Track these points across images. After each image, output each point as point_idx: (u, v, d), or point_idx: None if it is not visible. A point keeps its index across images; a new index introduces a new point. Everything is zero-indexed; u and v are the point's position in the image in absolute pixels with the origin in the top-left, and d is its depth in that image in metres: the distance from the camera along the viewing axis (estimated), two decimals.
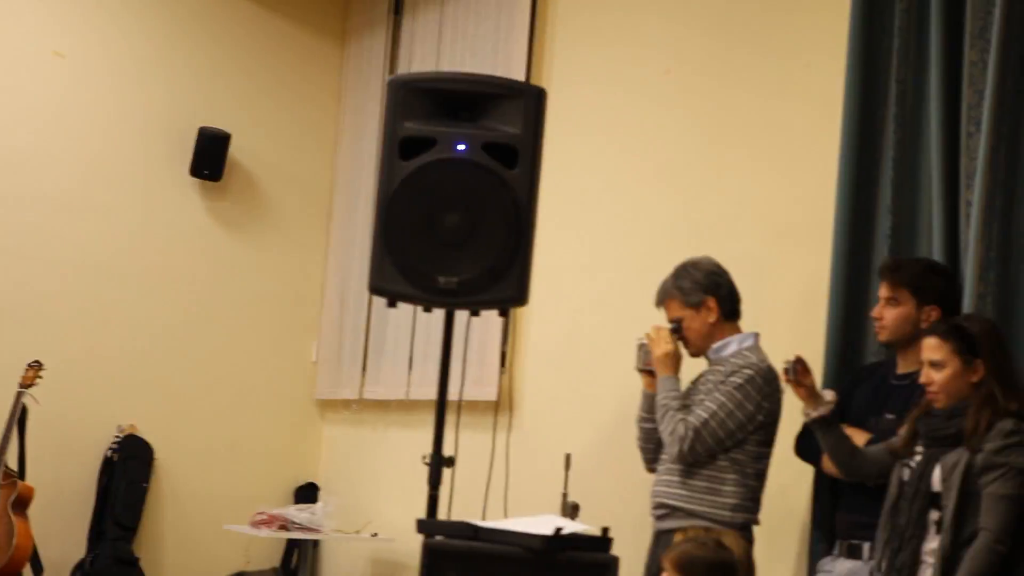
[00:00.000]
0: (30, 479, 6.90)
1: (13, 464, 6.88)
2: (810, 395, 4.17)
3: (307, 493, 7.73)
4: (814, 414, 4.15)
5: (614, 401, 5.68)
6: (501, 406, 5.84)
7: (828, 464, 4.32)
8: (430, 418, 5.16)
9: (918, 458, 3.85)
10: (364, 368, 7.50)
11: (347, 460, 7.65)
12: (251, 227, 7.86)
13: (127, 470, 7.39)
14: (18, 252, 7.27)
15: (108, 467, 7.41)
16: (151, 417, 7.51)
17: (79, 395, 7.35)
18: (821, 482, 4.62)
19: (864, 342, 4.64)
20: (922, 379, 3.85)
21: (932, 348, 3.82)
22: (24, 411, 6.90)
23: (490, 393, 6.22)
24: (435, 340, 6.79)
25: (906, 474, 3.87)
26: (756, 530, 4.49)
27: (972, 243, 4.14)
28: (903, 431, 3.93)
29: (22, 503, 6.79)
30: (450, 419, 5.09)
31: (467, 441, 5.30)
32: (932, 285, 4.25)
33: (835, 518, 4.43)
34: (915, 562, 3.78)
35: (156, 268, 7.59)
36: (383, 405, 7.34)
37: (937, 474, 3.77)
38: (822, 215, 4.78)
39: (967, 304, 4.14)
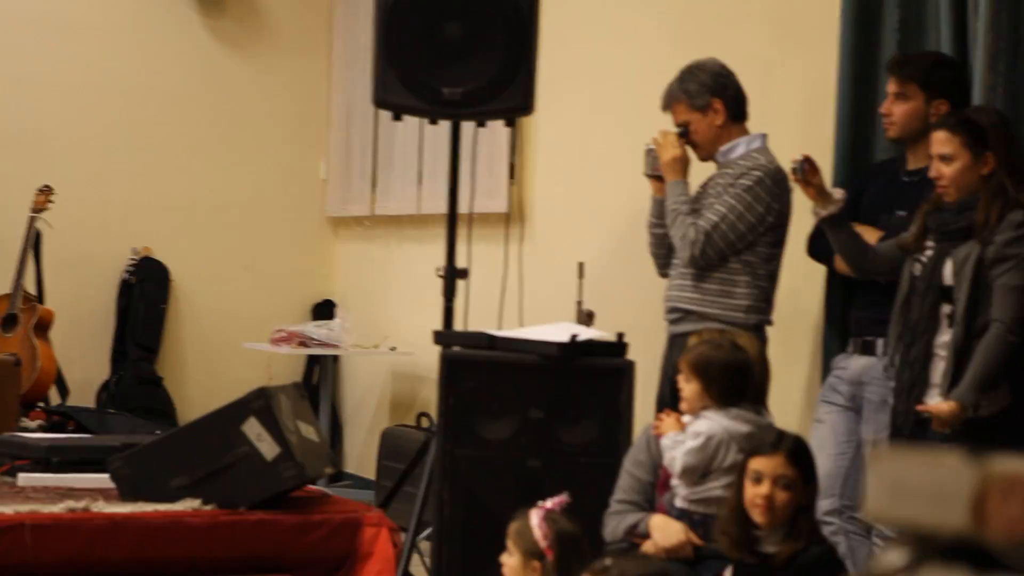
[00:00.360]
0: (49, 303, 6.99)
1: (32, 289, 6.96)
2: (819, 194, 4.16)
3: (324, 310, 7.81)
4: (823, 213, 4.15)
5: (626, 208, 5.69)
6: (512, 217, 5.86)
7: (840, 263, 4.34)
8: (443, 232, 5.18)
9: (929, 253, 3.87)
10: (374, 184, 7.51)
11: (362, 276, 7.71)
12: (252, 45, 7.78)
13: (145, 292, 7.47)
14: (19, 77, 7.24)
15: (126, 289, 7.50)
16: (165, 239, 7.57)
17: (92, 219, 7.39)
18: (833, 281, 4.65)
19: (873, 139, 4.61)
20: (931, 174, 3.85)
21: (941, 142, 3.80)
22: (38, 236, 6.96)
23: (500, 205, 6.24)
24: (443, 154, 6.78)
25: (917, 269, 3.89)
26: (770, 331, 4.54)
27: (981, 33, 4.08)
28: (913, 226, 3.94)
29: (43, 327, 6.88)
30: (462, 232, 5.11)
31: (480, 253, 5.34)
32: (941, 78, 4.20)
33: (848, 316, 4.47)
34: (928, 356, 3.82)
35: (159, 89, 7.55)
36: (395, 220, 7.37)
37: (948, 268, 3.79)
38: (828, 12, 4.71)
39: (977, 96, 4.10)
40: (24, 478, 4.92)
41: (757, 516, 3.31)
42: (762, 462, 3.32)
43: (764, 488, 3.30)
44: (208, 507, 4.58)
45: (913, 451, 1.34)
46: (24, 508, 4.40)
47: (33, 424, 6.39)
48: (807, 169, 4.18)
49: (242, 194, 7.79)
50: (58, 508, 4.42)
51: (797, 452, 3.35)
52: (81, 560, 4.35)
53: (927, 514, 1.32)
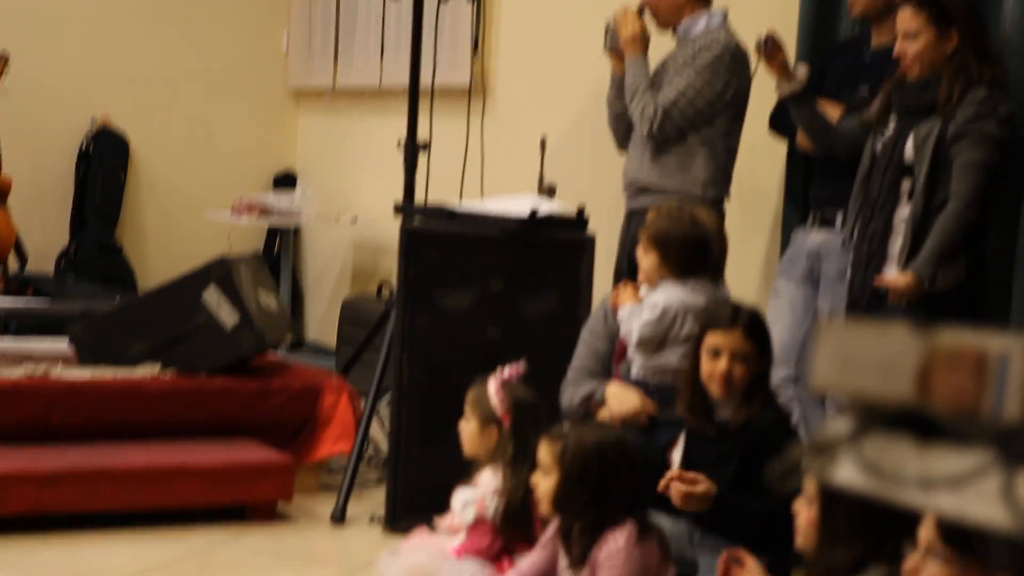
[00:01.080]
0: (7, 170, 6.92)
1: None
2: (783, 71, 4.17)
3: (285, 181, 7.78)
4: (787, 90, 4.16)
5: (589, 82, 5.67)
6: (475, 91, 5.81)
7: (802, 140, 4.36)
8: (403, 105, 5.15)
9: (891, 129, 3.89)
10: (336, 57, 7.44)
11: (323, 148, 7.68)
12: None
13: (103, 161, 7.42)
14: None
15: (84, 158, 7.43)
16: (124, 109, 7.49)
17: (49, 87, 7.30)
18: (794, 156, 4.67)
19: (837, 17, 4.60)
20: (896, 51, 3.85)
21: (906, 18, 3.80)
22: None
23: (463, 78, 6.19)
24: (406, 27, 6.71)
25: (879, 145, 3.91)
26: (730, 206, 4.56)
27: None
28: (877, 102, 3.95)
29: (1, 193, 6.83)
30: (423, 105, 5.08)
31: (442, 127, 5.31)
32: None
33: (808, 190, 4.50)
34: (887, 230, 3.86)
35: None
36: (357, 93, 7.32)
37: (910, 144, 3.81)
38: None
39: None
40: None
41: (715, 390, 3.36)
42: (720, 337, 3.35)
43: (722, 363, 3.33)
44: (167, 373, 4.61)
45: (861, 322, 1.36)
46: None
47: None
48: (771, 45, 4.18)
49: (204, 64, 7.70)
50: (17, 373, 4.45)
51: (754, 326, 3.39)
52: (40, 424, 4.38)
53: (874, 384, 1.35)
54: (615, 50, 4.64)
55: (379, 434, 5.04)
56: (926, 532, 2.09)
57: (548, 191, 4.93)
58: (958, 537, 2.04)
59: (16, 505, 4.04)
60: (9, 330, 4.98)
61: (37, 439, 4.35)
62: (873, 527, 2.41)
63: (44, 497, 4.07)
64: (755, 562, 2.83)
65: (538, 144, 4.96)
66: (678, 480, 3.20)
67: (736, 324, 3.36)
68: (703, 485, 3.21)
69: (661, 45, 4.64)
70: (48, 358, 4.69)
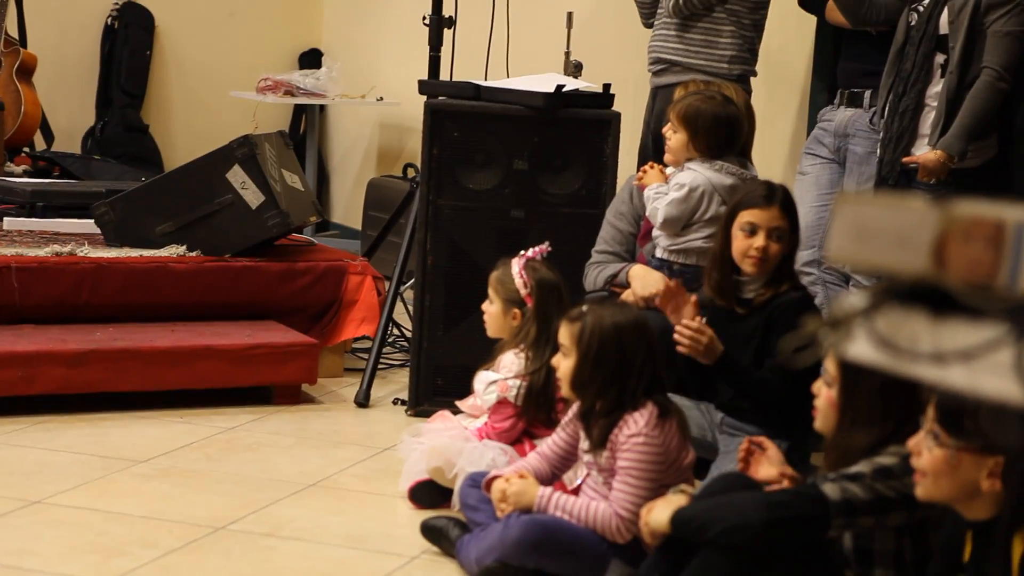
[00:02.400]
0: (32, 47, 6.87)
1: (13, 32, 6.84)
2: None
3: (311, 59, 7.70)
4: None
5: None
6: None
7: (833, 12, 4.26)
8: None
9: (926, 1, 3.79)
10: None
11: (349, 25, 7.58)
12: None
13: (129, 38, 7.35)
14: None
15: (109, 35, 7.37)
16: None
17: None
18: (823, 32, 4.58)
19: None
20: None
21: None
22: None
23: None
24: None
25: (914, 18, 3.82)
26: (756, 83, 4.49)
27: None
28: None
29: (26, 71, 6.78)
30: None
31: (467, 2, 5.22)
32: None
33: (836, 68, 4.41)
34: (918, 106, 3.78)
35: None
36: None
37: (945, 16, 3.71)
38: None
39: None
40: (9, 222, 4.93)
41: (749, 267, 3.34)
42: (757, 214, 3.33)
43: (759, 240, 3.32)
44: (193, 253, 4.60)
45: (878, 196, 1.33)
46: (10, 251, 4.43)
47: (18, 169, 6.36)
48: None
49: None
50: (44, 252, 4.45)
51: (789, 204, 3.36)
52: (67, 302, 4.39)
53: (889, 257, 1.32)
54: None
55: (403, 317, 5.03)
56: (929, 413, 2.07)
57: (574, 69, 4.86)
58: (953, 420, 2.03)
59: (43, 385, 4.06)
60: (36, 210, 4.96)
61: (64, 319, 4.37)
62: (893, 409, 2.39)
63: (71, 377, 4.09)
64: (776, 448, 2.82)
65: (564, 20, 4.88)
66: (684, 327, 3.22)
67: (773, 202, 3.32)
68: (708, 335, 3.27)
69: None
70: (75, 238, 4.68)
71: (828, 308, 4.15)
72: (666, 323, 3.37)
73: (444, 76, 5.02)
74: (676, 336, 3.28)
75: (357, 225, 6.90)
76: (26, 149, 6.76)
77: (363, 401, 4.42)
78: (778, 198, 3.34)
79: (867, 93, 4.16)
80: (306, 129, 7.45)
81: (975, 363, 1.23)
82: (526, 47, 5.42)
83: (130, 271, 4.48)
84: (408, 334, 4.95)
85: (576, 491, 3.08)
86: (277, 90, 6.82)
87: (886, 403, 2.39)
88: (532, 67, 4.89)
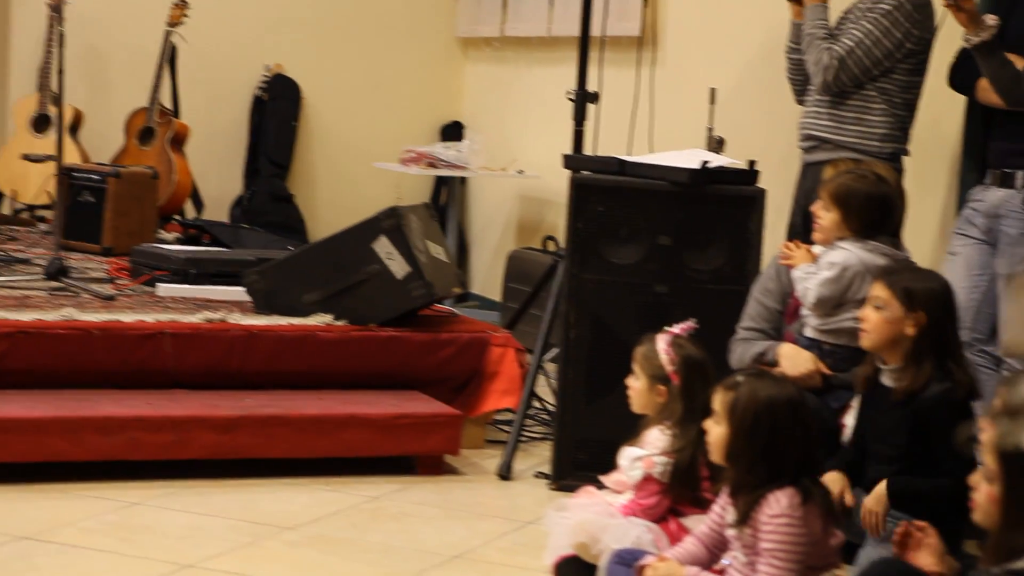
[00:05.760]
0: (184, 118, 7.09)
1: (167, 103, 7.07)
2: (971, 20, 4.01)
3: (452, 131, 7.82)
4: (975, 39, 4.01)
5: (760, 33, 5.57)
6: (645, 41, 5.76)
7: (985, 93, 4.21)
8: (571, 55, 5.12)
9: None
10: (504, 4, 7.43)
11: (491, 98, 7.69)
12: None
13: (277, 109, 7.54)
14: None
15: (258, 106, 7.57)
16: (297, 57, 7.61)
17: (226, 34, 7.45)
18: (974, 111, 4.53)
19: None
20: None
21: None
22: (174, 50, 7.03)
23: (633, 28, 6.14)
24: None
25: None
26: (906, 160, 4.46)
27: None
28: None
29: (179, 140, 7.00)
30: (593, 55, 5.05)
31: (611, 77, 5.28)
32: None
33: (987, 147, 4.36)
34: None
35: None
36: (524, 42, 7.30)
37: None
38: None
39: None
40: (164, 288, 5.07)
41: (861, 338, 3.34)
42: (872, 287, 3.35)
43: (865, 311, 3.31)
44: (340, 323, 4.69)
45: None
46: (164, 317, 4.55)
47: (170, 236, 6.55)
48: None
49: (374, 13, 7.77)
50: (196, 318, 4.57)
51: (896, 279, 3.31)
52: (218, 368, 4.50)
53: None
54: None
55: (545, 390, 5.06)
56: None
57: (717, 144, 4.87)
58: None
59: (195, 449, 4.16)
60: (189, 277, 5.10)
61: (215, 384, 4.47)
62: None
63: (222, 442, 4.18)
64: (937, 536, 2.76)
65: (707, 96, 4.90)
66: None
67: (879, 276, 3.31)
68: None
69: None
70: (226, 305, 4.81)
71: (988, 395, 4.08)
72: (820, 401, 3.34)
73: (587, 151, 5.07)
74: None
75: (495, 296, 6.96)
76: (177, 217, 6.96)
77: (505, 473, 4.44)
78: (885, 274, 3.33)
79: (1019, 173, 4.11)
80: (447, 200, 7.55)
81: None
82: (669, 122, 5.45)
83: (279, 339, 4.58)
84: (549, 407, 4.97)
85: (722, 572, 3.06)
86: (420, 162, 6.94)
87: None
88: (674, 142, 4.92)
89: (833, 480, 3.24)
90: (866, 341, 3.32)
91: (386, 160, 7.21)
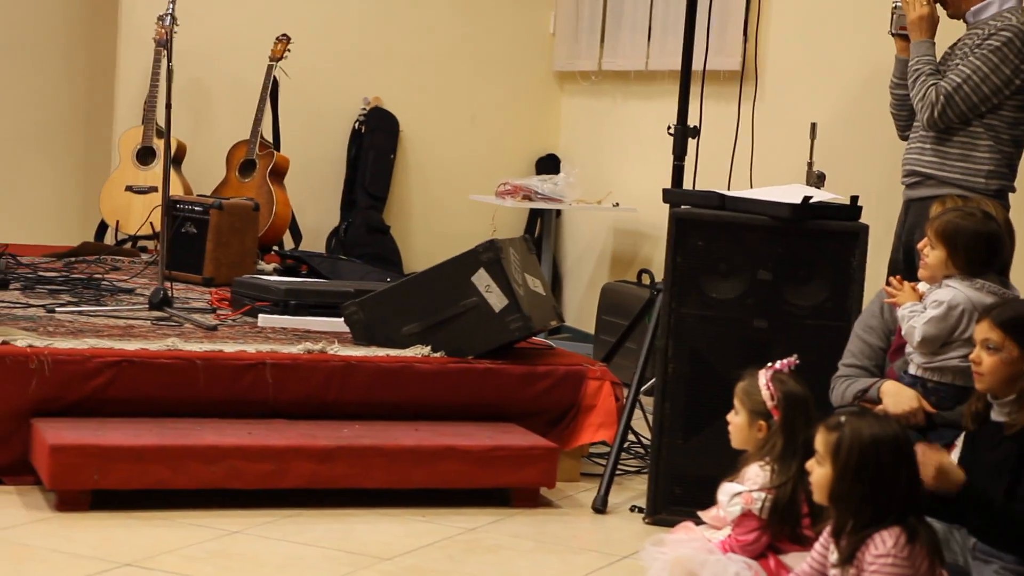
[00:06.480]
0: (284, 150, 7.18)
1: (268, 136, 7.17)
2: None
3: (548, 164, 7.85)
4: None
5: (861, 67, 5.53)
6: (745, 75, 5.74)
7: None
8: (669, 89, 5.14)
9: None
10: (602, 39, 7.45)
11: (587, 132, 7.70)
12: None
13: (374, 142, 7.62)
14: None
15: (356, 138, 7.65)
16: (395, 90, 7.69)
17: (325, 68, 7.55)
18: None
19: None
20: None
21: None
22: (276, 84, 7.14)
23: (734, 63, 6.13)
24: (674, 10, 6.70)
25: None
26: (1012, 197, 4.39)
27: None
28: None
29: (279, 173, 7.10)
30: (693, 90, 5.04)
31: (710, 111, 5.27)
32: None
33: None
34: None
35: None
36: (622, 76, 7.32)
37: None
38: None
39: None
40: (264, 319, 5.14)
41: (975, 380, 3.28)
42: (976, 328, 3.29)
43: (974, 352, 3.26)
44: (437, 354, 4.71)
45: None
46: (265, 348, 4.60)
47: (269, 267, 6.63)
48: None
49: (471, 46, 7.83)
50: (296, 349, 4.61)
51: (1006, 318, 3.25)
52: (316, 399, 4.54)
53: None
54: (901, 33, 4.52)
55: (641, 425, 5.04)
56: None
57: (817, 179, 4.85)
58: None
59: (294, 479, 4.19)
60: (289, 308, 5.15)
61: (313, 415, 4.51)
62: None
63: (319, 472, 4.20)
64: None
65: (807, 131, 4.87)
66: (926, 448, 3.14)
67: (986, 315, 3.26)
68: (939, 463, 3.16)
69: (951, 32, 4.49)
70: (325, 336, 4.85)
71: None
72: (924, 440, 3.30)
73: (687, 185, 5.06)
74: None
75: (589, 329, 6.96)
76: (276, 248, 7.05)
77: (600, 507, 4.42)
78: (991, 310, 3.28)
79: None
80: (541, 232, 7.57)
81: None
82: (769, 157, 5.42)
83: (377, 370, 4.60)
84: (644, 441, 4.95)
85: None
86: (516, 194, 6.96)
87: None
88: (774, 177, 4.90)
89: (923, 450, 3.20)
90: (982, 384, 3.27)
91: (482, 192, 7.25)
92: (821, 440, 2.99)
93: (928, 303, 3.61)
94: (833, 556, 2.98)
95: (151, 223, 6.72)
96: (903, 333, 3.67)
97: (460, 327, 4.73)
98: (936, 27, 4.45)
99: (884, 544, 2.90)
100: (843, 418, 2.98)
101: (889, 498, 2.91)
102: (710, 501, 3.56)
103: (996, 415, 3.29)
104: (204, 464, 4.11)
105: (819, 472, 2.99)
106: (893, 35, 4.58)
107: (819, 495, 3.01)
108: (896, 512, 2.91)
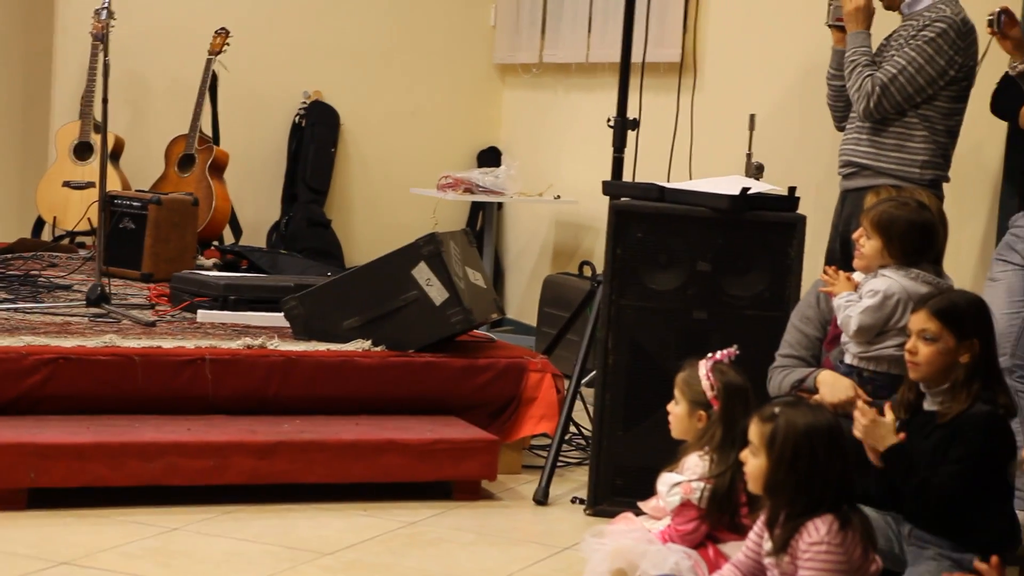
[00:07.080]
0: (224, 145, 7.14)
1: (208, 130, 7.12)
2: (1016, 47, 4.01)
3: (490, 157, 7.84)
4: (1021, 67, 4.00)
5: (800, 59, 5.57)
6: (685, 67, 5.76)
7: None
8: (610, 81, 5.14)
9: None
10: (543, 31, 7.45)
11: (528, 124, 7.71)
12: None
13: (315, 135, 7.58)
14: None
15: (296, 132, 7.61)
16: (335, 83, 7.65)
17: (265, 62, 7.50)
18: (1015, 137, 4.52)
19: None
20: None
21: None
22: (215, 78, 7.09)
23: (673, 55, 6.14)
24: (615, 2, 6.70)
25: None
26: (946, 187, 4.44)
27: None
28: None
29: (218, 167, 7.05)
30: (633, 82, 5.05)
31: (650, 103, 5.28)
32: None
33: None
34: None
35: None
36: (563, 68, 7.32)
37: None
38: None
39: None
40: (203, 314, 5.10)
41: (909, 369, 3.29)
42: (911, 318, 3.30)
43: (909, 342, 3.27)
44: (378, 348, 4.70)
45: None
46: (204, 343, 4.57)
47: (208, 262, 6.59)
48: (1005, 21, 4.02)
49: (411, 39, 7.81)
50: (236, 344, 4.58)
51: (943, 308, 3.26)
52: (257, 394, 4.51)
53: None
54: (837, 24, 4.55)
55: (582, 416, 5.05)
56: None
57: (756, 170, 4.87)
58: None
59: (234, 475, 4.16)
60: (228, 303, 5.12)
61: (253, 410, 4.48)
62: None
63: (260, 467, 4.18)
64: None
65: (746, 122, 4.89)
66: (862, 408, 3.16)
67: (922, 305, 3.27)
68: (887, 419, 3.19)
69: (887, 23, 4.53)
70: (265, 331, 4.83)
71: (1023, 419, 4.04)
72: None
73: (627, 177, 5.07)
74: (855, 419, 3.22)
75: (531, 321, 6.96)
76: (215, 243, 7.00)
77: (542, 499, 4.43)
78: (928, 301, 3.29)
79: None
80: (483, 226, 7.56)
81: None
82: (708, 149, 5.45)
83: (317, 364, 4.59)
84: (585, 432, 4.96)
85: None
86: (457, 188, 6.95)
87: None
88: (714, 169, 4.92)
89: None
90: (916, 373, 3.29)
91: (423, 186, 7.24)
92: (755, 431, 3.01)
93: (864, 292, 3.63)
94: (767, 545, 3.00)
95: (88, 219, 6.66)
96: (839, 323, 3.70)
97: (401, 321, 4.72)
98: (872, 18, 4.48)
99: (817, 532, 2.92)
100: (777, 409, 3.00)
101: (823, 487, 2.93)
102: (651, 491, 3.57)
103: (929, 404, 3.31)
104: (143, 461, 4.08)
105: (753, 463, 3.00)
106: (830, 26, 4.61)
107: (754, 485, 3.02)
108: (829, 500, 2.93)
